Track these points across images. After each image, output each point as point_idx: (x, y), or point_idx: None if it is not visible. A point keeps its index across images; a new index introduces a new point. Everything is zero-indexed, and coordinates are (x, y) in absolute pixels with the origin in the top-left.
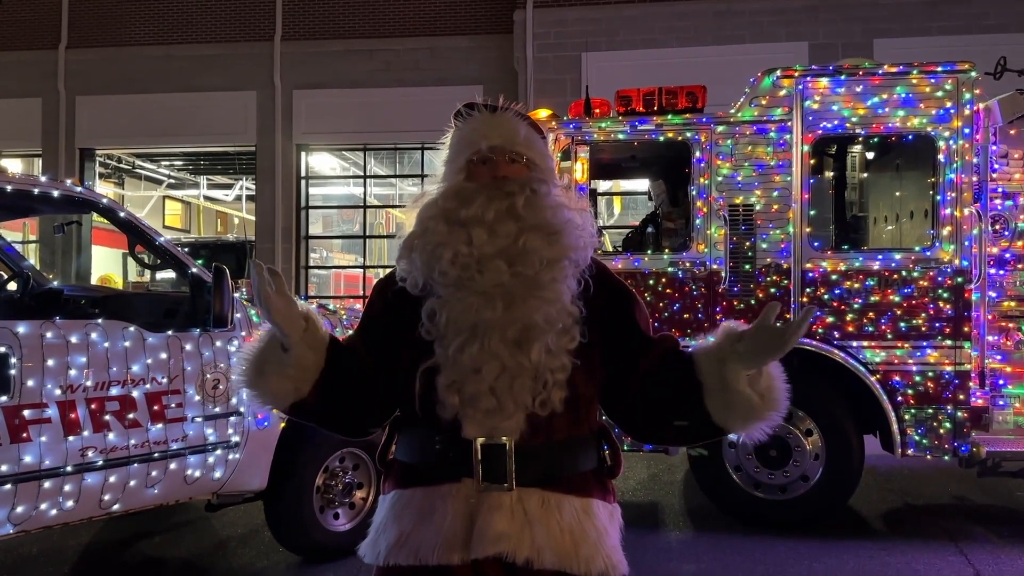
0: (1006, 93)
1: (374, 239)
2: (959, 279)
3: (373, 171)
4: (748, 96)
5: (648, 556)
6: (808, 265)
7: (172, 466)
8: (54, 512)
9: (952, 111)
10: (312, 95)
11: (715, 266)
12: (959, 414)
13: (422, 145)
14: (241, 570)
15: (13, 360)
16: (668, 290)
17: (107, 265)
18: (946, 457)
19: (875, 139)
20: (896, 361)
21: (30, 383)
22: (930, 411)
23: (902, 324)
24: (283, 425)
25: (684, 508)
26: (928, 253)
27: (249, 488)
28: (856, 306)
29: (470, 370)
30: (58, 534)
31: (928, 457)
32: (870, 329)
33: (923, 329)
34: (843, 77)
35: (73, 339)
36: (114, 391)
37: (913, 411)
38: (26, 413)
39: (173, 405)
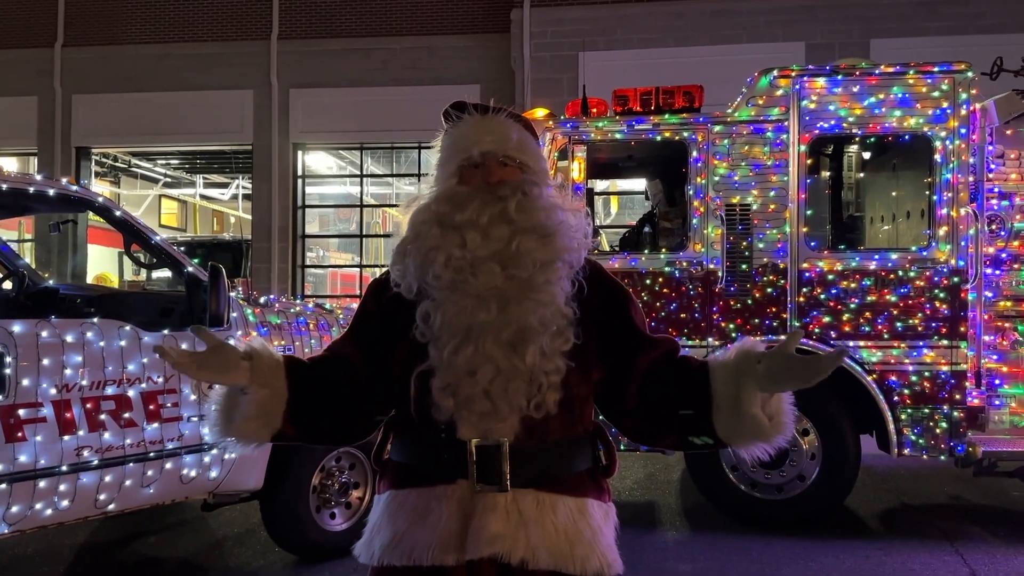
0: (1002, 93)
1: (371, 238)
2: (955, 279)
3: (370, 170)
4: (745, 96)
5: (645, 555)
6: (804, 265)
7: (168, 465)
8: (49, 512)
9: (948, 111)
10: (309, 94)
11: (712, 266)
12: (955, 414)
13: (419, 144)
14: (237, 570)
15: (8, 359)
16: (665, 290)
17: (103, 264)
18: (942, 457)
19: (872, 139)
20: (892, 361)
21: (25, 382)
22: (926, 411)
23: (898, 324)
24: None
25: (681, 507)
26: (924, 253)
27: (245, 488)
28: (852, 306)
29: (465, 372)
30: (53, 534)
31: (924, 457)
32: (866, 329)
33: (919, 329)
34: (840, 77)
35: (69, 338)
36: (110, 390)
37: (909, 411)
38: (21, 412)
39: (169, 404)
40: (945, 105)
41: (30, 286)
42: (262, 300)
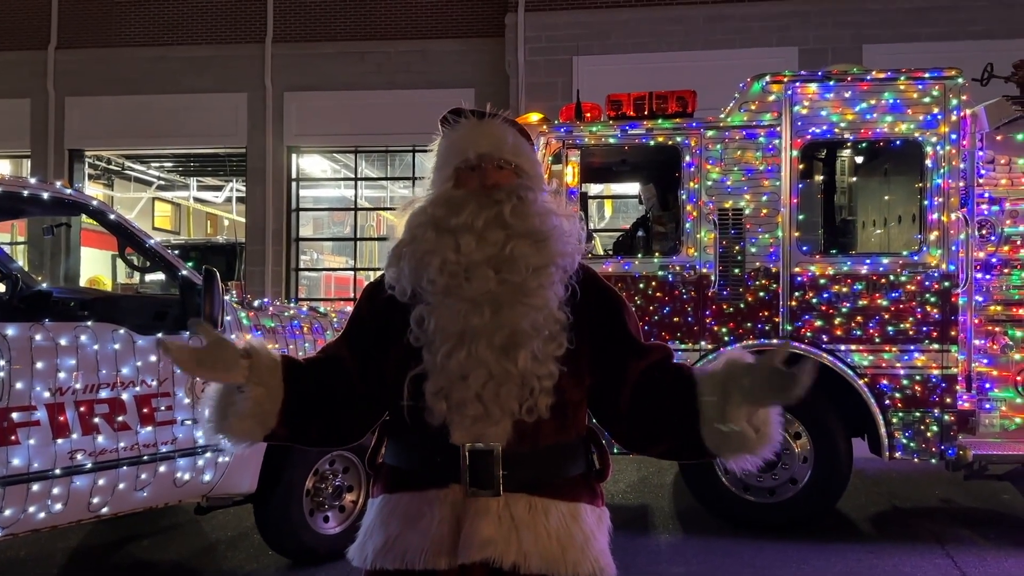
0: (993, 99)
1: (365, 241)
2: (946, 283)
3: (364, 173)
4: (738, 101)
5: (638, 559)
6: (797, 269)
7: (161, 469)
8: (42, 515)
9: (939, 117)
10: (303, 97)
11: (705, 270)
12: (946, 417)
13: (413, 148)
14: (230, 573)
15: (2, 362)
16: (658, 294)
17: (96, 267)
18: (933, 460)
19: (863, 144)
20: (884, 365)
21: (19, 385)
22: (917, 414)
23: (890, 328)
24: None
25: (673, 511)
26: (915, 258)
27: (239, 491)
28: (844, 310)
29: (457, 377)
30: (46, 537)
31: (915, 460)
32: (858, 333)
33: (910, 333)
34: (832, 83)
35: (62, 341)
36: (103, 394)
37: (900, 414)
38: (15, 416)
39: (163, 408)
40: (936, 111)
41: (23, 289)
42: (256, 303)
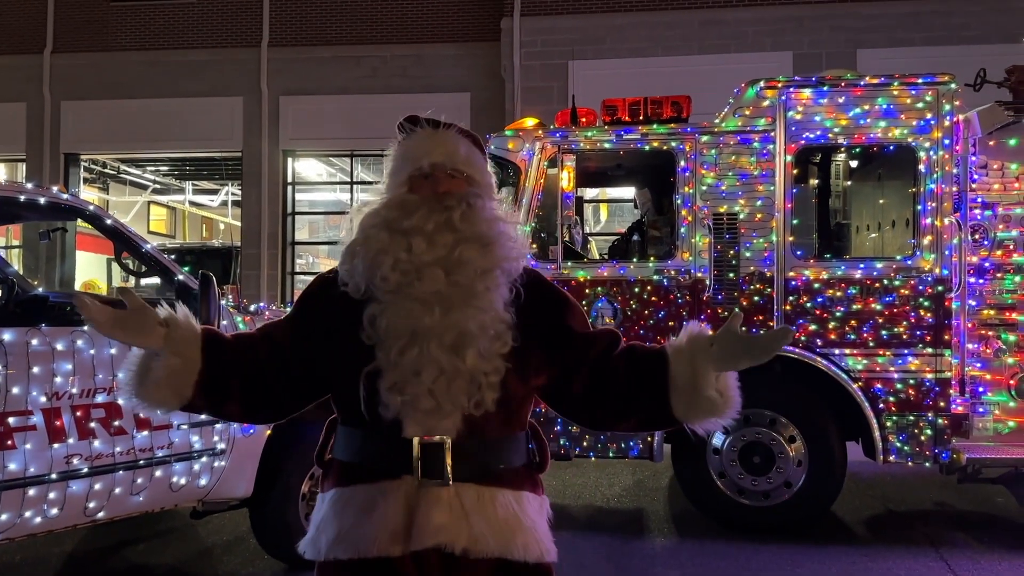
0: (986, 105)
1: None
2: (939, 288)
3: (360, 177)
4: (732, 106)
5: (633, 562)
6: (791, 273)
7: (157, 473)
8: (39, 520)
9: (932, 122)
10: (299, 101)
11: (700, 274)
12: (940, 421)
13: None
14: None
15: None
16: (653, 298)
17: (91, 270)
18: (927, 464)
19: (857, 149)
20: (878, 368)
21: (15, 390)
22: (911, 418)
23: (884, 332)
24: (269, 433)
25: (668, 514)
26: (909, 262)
27: (234, 495)
28: (838, 314)
29: (410, 373)
30: (42, 541)
31: (909, 463)
32: (852, 337)
33: (904, 337)
34: (825, 88)
35: (59, 346)
36: (100, 398)
37: (894, 418)
38: (11, 420)
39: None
40: (929, 116)
41: (19, 294)
42: (252, 308)
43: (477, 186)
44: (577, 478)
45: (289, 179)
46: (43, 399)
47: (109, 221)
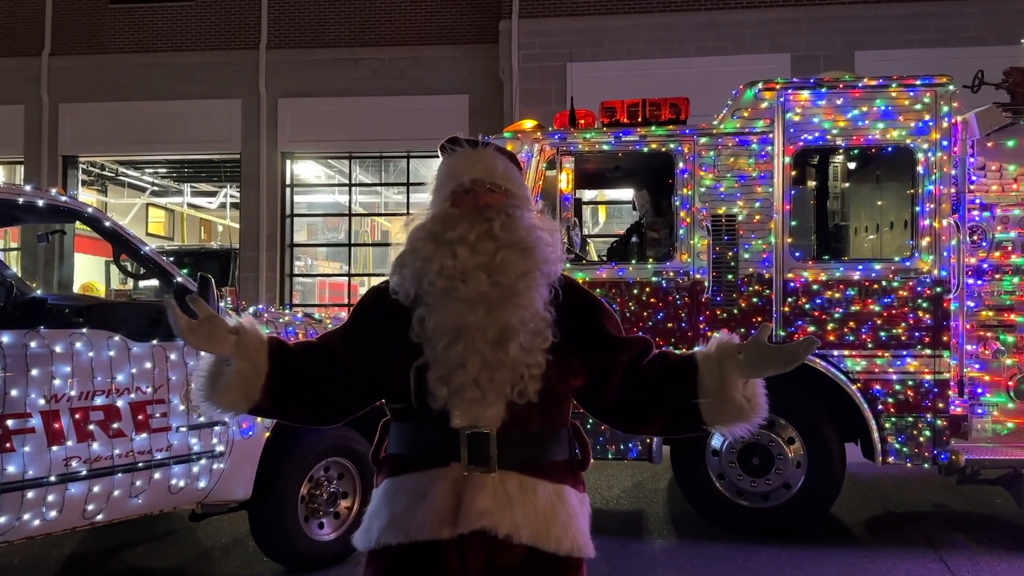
0: (983, 106)
1: (359, 247)
2: (938, 289)
3: (358, 179)
4: (730, 108)
5: (632, 564)
6: (789, 275)
7: (156, 476)
8: (37, 522)
9: (930, 124)
10: (297, 103)
11: (698, 276)
12: (938, 422)
13: (407, 153)
14: None
15: None
16: (652, 299)
17: (89, 273)
18: (926, 465)
19: (855, 151)
20: (876, 370)
21: (14, 393)
22: (910, 419)
23: (882, 333)
24: (268, 435)
25: (668, 516)
26: (907, 263)
27: (233, 498)
28: (837, 315)
29: (456, 365)
30: (40, 544)
31: (908, 465)
32: (851, 338)
33: (903, 338)
34: (824, 90)
35: (57, 348)
36: (98, 401)
37: (893, 419)
38: (10, 423)
39: (158, 415)
40: (927, 117)
41: (18, 296)
42: (251, 310)
43: (515, 198)
44: None
45: (287, 181)
46: (42, 401)
47: (108, 223)
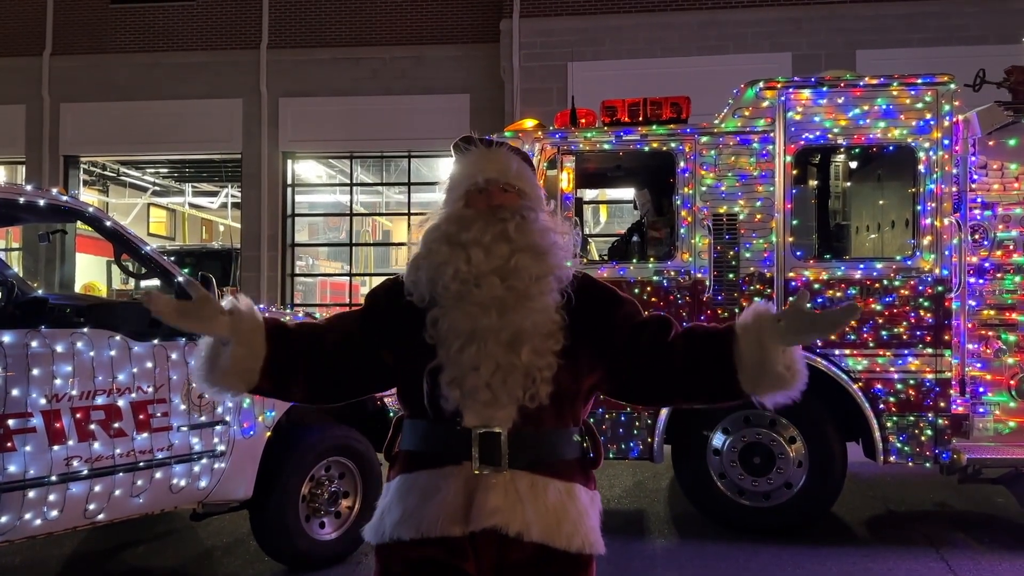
0: (985, 105)
1: (360, 247)
2: (939, 288)
3: (359, 179)
4: (731, 107)
5: (633, 564)
6: (791, 274)
7: (157, 475)
8: (38, 522)
9: (932, 122)
10: (298, 103)
11: (699, 275)
12: (940, 421)
13: (409, 153)
14: None
15: None
16: (653, 299)
17: (91, 272)
18: (927, 464)
19: (856, 150)
20: (878, 369)
21: (15, 392)
22: (911, 418)
23: (884, 332)
24: (269, 434)
25: (669, 515)
26: (909, 262)
27: (234, 497)
28: None
29: (469, 368)
30: (41, 543)
31: (910, 464)
32: (852, 337)
33: (904, 337)
34: (825, 89)
35: (58, 348)
36: (100, 400)
37: (895, 418)
38: (11, 422)
39: (159, 414)
40: (928, 116)
41: (19, 296)
42: None
43: (528, 199)
44: None
45: (289, 181)
46: (43, 401)
47: (109, 223)
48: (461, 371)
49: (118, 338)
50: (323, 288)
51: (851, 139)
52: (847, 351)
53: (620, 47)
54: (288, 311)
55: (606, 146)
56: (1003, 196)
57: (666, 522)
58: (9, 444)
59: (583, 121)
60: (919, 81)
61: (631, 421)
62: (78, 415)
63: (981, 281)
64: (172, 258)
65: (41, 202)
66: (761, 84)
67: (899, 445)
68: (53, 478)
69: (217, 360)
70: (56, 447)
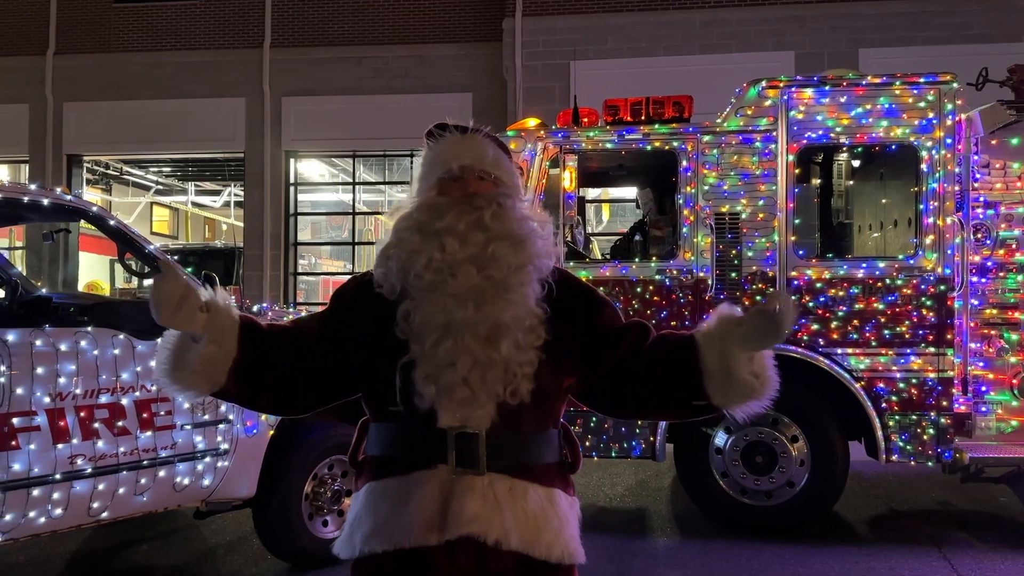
0: (987, 104)
1: (363, 245)
2: (942, 287)
3: (362, 178)
4: (734, 106)
5: (636, 562)
6: (793, 273)
7: (161, 474)
8: (43, 520)
9: (934, 121)
10: (301, 102)
11: (702, 274)
12: (942, 420)
13: (411, 152)
14: None
15: (2, 368)
16: (655, 298)
17: (94, 271)
18: (930, 463)
19: (859, 148)
20: (880, 368)
21: (19, 391)
22: (914, 417)
23: (886, 331)
24: (272, 433)
25: (671, 514)
26: (911, 261)
27: (238, 495)
28: (841, 313)
29: (445, 363)
30: (46, 542)
31: (912, 463)
32: (854, 336)
33: (907, 336)
34: (827, 88)
35: (62, 347)
36: (103, 399)
37: (897, 417)
38: (15, 421)
39: (162, 413)
40: (931, 115)
41: (23, 295)
42: (255, 308)
43: (505, 187)
44: (579, 478)
45: (291, 180)
46: (47, 400)
47: (112, 222)
48: (436, 367)
49: (122, 337)
50: (326, 287)
51: (853, 138)
52: (849, 350)
53: (622, 46)
54: (291, 310)
55: (608, 145)
56: (1005, 195)
57: (668, 521)
58: (13, 442)
59: (585, 120)
60: (922, 80)
61: (633, 420)
62: (82, 413)
63: (983, 280)
64: (175, 257)
65: (45, 201)
66: (764, 83)
67: (901, 444)
68: (57, 476)
69: (183, 357)
70: (60, 445)
